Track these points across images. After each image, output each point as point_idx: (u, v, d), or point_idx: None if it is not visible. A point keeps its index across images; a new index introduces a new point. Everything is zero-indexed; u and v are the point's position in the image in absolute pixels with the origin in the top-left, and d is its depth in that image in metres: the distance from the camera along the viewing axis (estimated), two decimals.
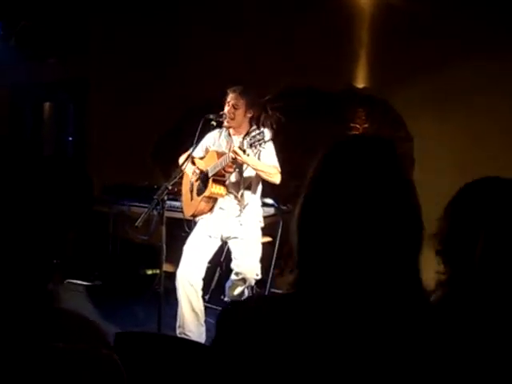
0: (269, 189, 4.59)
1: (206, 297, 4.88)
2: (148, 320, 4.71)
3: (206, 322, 4.39)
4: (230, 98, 4.31)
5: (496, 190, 1.80)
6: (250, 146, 3.96)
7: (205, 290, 4.54)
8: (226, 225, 4.36)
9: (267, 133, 4.00)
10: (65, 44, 6.09)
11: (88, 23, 6.38)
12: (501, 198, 1.76)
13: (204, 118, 4.25)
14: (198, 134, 4.22)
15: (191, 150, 4.32)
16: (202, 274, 4.33)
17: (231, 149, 4.15)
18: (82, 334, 1.08)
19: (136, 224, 3.83)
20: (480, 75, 4.98)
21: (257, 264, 4.30)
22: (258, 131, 3.96)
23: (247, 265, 4.27)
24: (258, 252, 4.34)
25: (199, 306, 4.29)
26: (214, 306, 4.88)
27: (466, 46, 5.04)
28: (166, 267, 4.60)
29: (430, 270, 1.88)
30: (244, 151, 4.01)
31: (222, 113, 4.29)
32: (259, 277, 4.35)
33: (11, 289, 1.02)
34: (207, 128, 4.30)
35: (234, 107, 4.28)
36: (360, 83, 5.70)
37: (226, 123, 4.33)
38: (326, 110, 5.83)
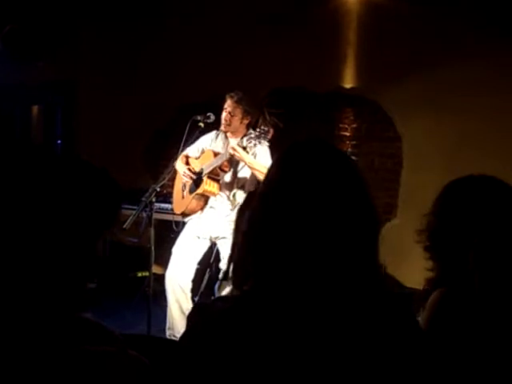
0: None
1: (196, 298, 4.86)
2: (138, 322, 4.70)
3: None
4: (227, 104, 4.33)
5: (483, 186, 1.81)
6: (250, 142, 3.98)
7: (194, 291, 4.53)
8: (216, 225, 4.37)
9: (268, 130, 4.01)
10: (53, 46, 6.07)
11: (76, 26, 6.35)
12: (488, 195, 1.78)
13: (191, 119, 4.26)
14: (185, 135, 4.23)
15: (180, 150, 4.33)
16: (191, 275, 4.33)
17: (228, 148, 4.18)
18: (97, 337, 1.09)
19: (124, 226, 3.82)
20: (469, 74, 5.00)
21: None
22: (262, 128, 3.99)
23: None
24: None
25: (188, 307, 4.28)
26: None
27: (454, 45, 5.07)
28: (155, 269, 4.59)
29: (416, 264, 1.90)
30: (244, 148, 4.04)
31: (208, 114, 4.31)
32: None
33: (42, 293, 1.01)
34: (195, 129, 4.30)
35: (231, 114, 4.31)
36: (348, 83, 5.71)
37: (222, 127, 4.35)
38: (314, 110, 5.84)
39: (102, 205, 1.12)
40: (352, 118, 5.76)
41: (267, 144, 4.16)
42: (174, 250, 4.37)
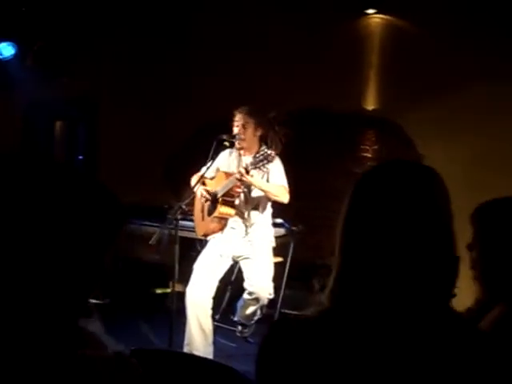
0: (279, 209, 4.60)
1: (217, 316, 4.87)
2: (158, 339, 4.71)
3: (216, 341, 4.39)
4: (238, 118, 4.35)
5: None
6: (255, 166, 3.99)
7: (215, 309, 4.54)
8: (236, 244, 4.38)
9: (271, 153, 4.00)
10: (77, 63, 6.17)
11: (99, 43, 6.44)
12: None
13: (217, 138, 4.27)
14: (211, 154, 4.25)
15: (203, 169, 4.37)
16: (212, 293, 4.33)
17: (239, 169, 4.20)
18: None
19: (150, 242, 3.86)
20: (490, 96, 5.03)
21: (270, 283, 4.30)
22: (261, 152, 3.99)
23: (260, 284, 4.27)
24: (270, 271, 4.34)
25: (208, 325, 4.28)
26: (225, 326, 4.88)
27: (475, 67, 5.09)
28: (176, 286, 4.61)
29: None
30: (247, 172, 4.05)
31: (234, 133, 4.33)
32: (272, 296, 4.35)
33: (43, 304, 1.04)
34: (220, 149, 4.32)
35: (244, 127, 4.32)
36: (370, 105, 5.74)
37: (237, 144, 4.37)
38: (336, 131, 5.87)
39: (105, 221, 1.15)
40: (373, 139, 5.78)
41: (277, 160, 4.17)
42: (196, 266, 4.38)
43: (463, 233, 2.20)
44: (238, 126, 4.34)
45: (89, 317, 1.17)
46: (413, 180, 1.25)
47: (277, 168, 4.25)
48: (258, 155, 4.00)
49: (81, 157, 7.28)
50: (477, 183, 4.88)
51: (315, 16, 5.74)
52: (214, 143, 4.24)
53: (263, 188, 4.23)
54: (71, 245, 1.06)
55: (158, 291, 5.88)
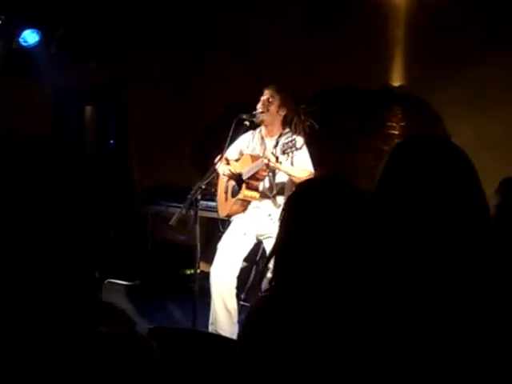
0: None
1: (242, 295, 4.90)
2: (183, 319, 4.77)
3: (241, 320, 4.41)
4: (265, 93, 4.38)
5: None
6: (283, 152, 3.99)
7: (240, 288, 4.56)
8: (261, 223, 4.39)
9: (299, 140, 3.99)
10: (102, 48, 6.21)
11: (124, 26, 6.45)
12: None
13: (237, 117, 4.28)
14: (230, 133, 4.26)
15: (226, 147, 4.38)
16: (237, 272, 4.35)
17: (264, 153, 4.20)
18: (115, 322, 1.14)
19: (170, 223, 3.90)
20: None
21: None
22: (290, 138, 3.98)
23: None
24: None
25: (233, 304, 4.30)
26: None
27: (503, 42, 4.96)
28: (204, 267, 4.65)
29: None
30: (277, 158, 4.04)
31: (254, 112, 4.33)
32: None
33: (57, 279, 1.06)
34: (240, 128, 4.33)
35: (268, 100, 4.34)
36: (396, 81, 5.66)
37: (259, 116, 4.35)
38: (363, 108, 5.81)
39: (111, 197, 1.17)
40: (400, 116, 5.71)
41: (306, 151, 4.16)
42: (220, 246, 4.40)
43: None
44: (262, 100, 4.34)
45: (98, 292, 1.20)
46: (441, 154, 1.29)
47: (302, 152, 4.21)
48: (286, 141, 3.99)
49: (112, 141, 7.35)
50: (508, 159, 4.79)
51: None
52: (234, 122, 4.24)
53: (290, 173, 4.23)
54: (78, 221, 1.08)
55: (187, 272, 5.94)
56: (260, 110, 4.32)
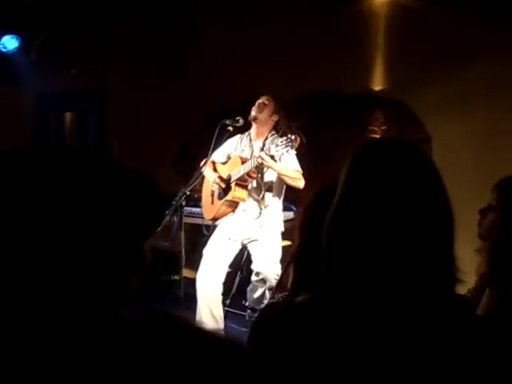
0: (287, 192, 4.60)
1: (227, 301, 4.90)
2: None
3: (227, 326, 4.41)
4: (261, 98, 4.41)
5: None
6: (278, 150, 3.99)
7: (225, 294, 4.56)
8: (247, 227, 4.39)
9: (294, 140, 4.00)
10: (82, 53, 6.18)
11: (107, 30, 6.43)
12: None
13: (220, 123, 4.29)
14: (214, 139, 4.27)
15: (209, 154, 4.38)
16: (222, 278, 4.35)
17: (253, 154, 4.21)
18: None
19: None
20: (500, 72, 4.96)
21: (277, 264, 4.31)
22: (286, 138, 3.98)
23: (267, 265, 4.29)
24: (277, 253, 4.36)
25: (219, 311, 4.31)
26: (236, 311, 4.90)
27: (481, 44, 5.02)
28: (188, 273, 4.63)
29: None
30: (272, 157, 4.05)
31: (237, 118, 4.34)
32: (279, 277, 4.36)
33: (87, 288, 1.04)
34: (224, 133, 4.34)
35: (264, 103, 4.37)
36: (377, 85, 5.70)
37: (253, 113, 4.37)
38: (344, 112, 5.83)
39: (147, 207, 1.15)
40: (381, 119, 5.74)
41: (294, 152, 4.17)
42: (205, 252, 4.40)
43: (473, 208, 2.20)
44: (258, 103, 4.38)
45: (129, 309, 1.16)
46: (399, 157, 1.24)
47: (291, 157, 4.24)
48: (282, 140, 4.00)
49: (91, 147, 7.31)
50: (488, 162, 4.83)
51: None
52: (217, 128, 4.25)
53: (282, 172, 4.23)
54: (112, 232, 1.06)
55: (172, 278, 5.91)
56: (253, 112, 4.33)
